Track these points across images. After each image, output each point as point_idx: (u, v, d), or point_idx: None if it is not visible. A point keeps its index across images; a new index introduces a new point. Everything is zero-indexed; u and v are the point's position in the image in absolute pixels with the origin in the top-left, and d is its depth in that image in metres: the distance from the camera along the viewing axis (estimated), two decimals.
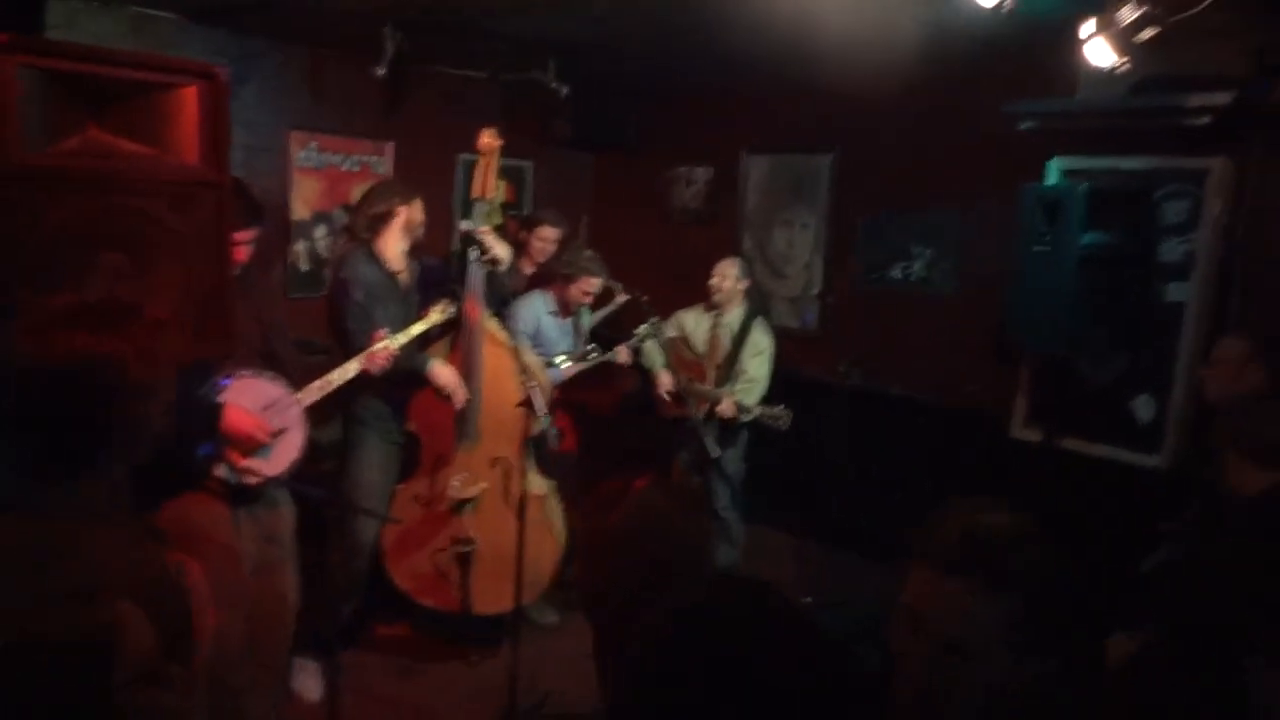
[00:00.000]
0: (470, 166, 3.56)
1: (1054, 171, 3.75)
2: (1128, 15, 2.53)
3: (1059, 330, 3.45)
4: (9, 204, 1.81)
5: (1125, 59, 2.67)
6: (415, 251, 3.54)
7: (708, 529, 1.97)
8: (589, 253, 4.03)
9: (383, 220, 3.40)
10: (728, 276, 4.32)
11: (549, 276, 4.09)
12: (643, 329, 4.11)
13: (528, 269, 4.37)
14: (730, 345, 4.34)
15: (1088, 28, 2.64)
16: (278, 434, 2.67)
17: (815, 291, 5.05)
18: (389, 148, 5.06)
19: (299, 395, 2.79)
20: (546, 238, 4.31)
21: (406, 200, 3.43)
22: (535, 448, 3.53)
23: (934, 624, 1.18)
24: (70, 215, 1.89)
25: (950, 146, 4.36)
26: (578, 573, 2.06)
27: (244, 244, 2.71)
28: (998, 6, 2.24)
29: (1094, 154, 3.68)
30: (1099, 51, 2.66)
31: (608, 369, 4.08)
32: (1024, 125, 3.74)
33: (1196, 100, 3.23)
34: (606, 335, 4.55)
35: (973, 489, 4.43)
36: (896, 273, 4.71)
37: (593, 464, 3.91)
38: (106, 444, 1.29)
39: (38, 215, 1.84)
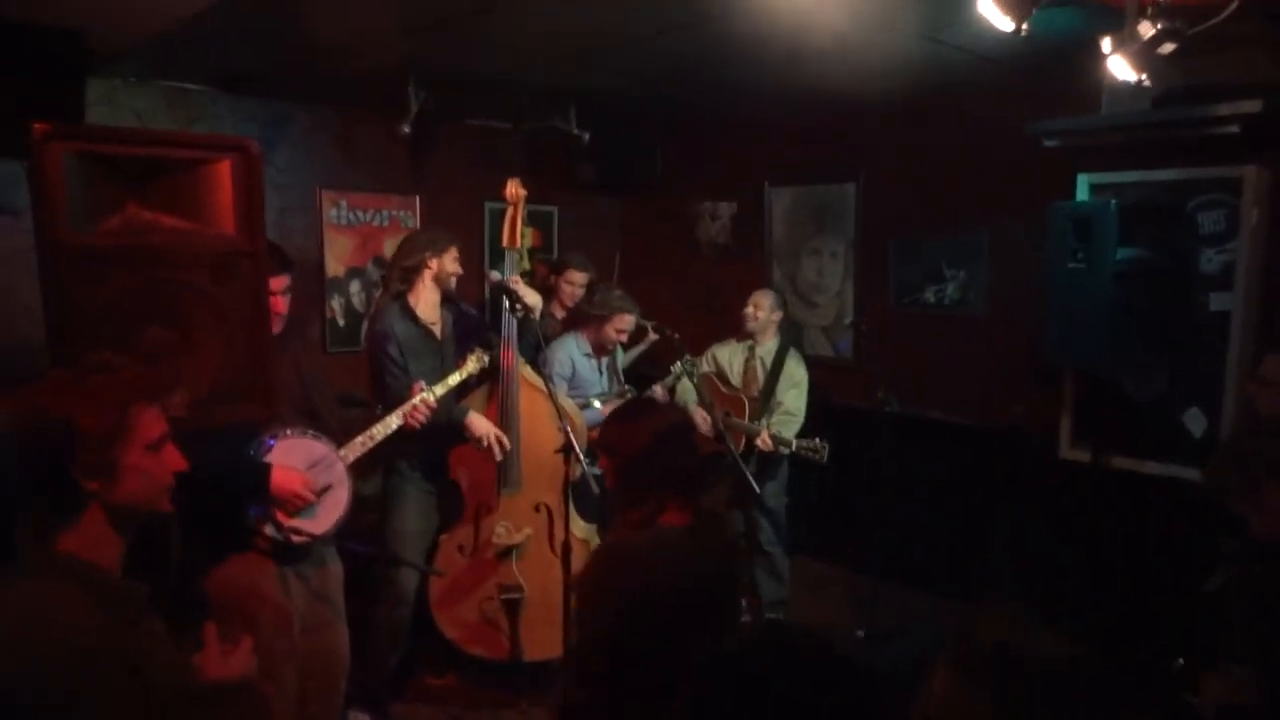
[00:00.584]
0: (497, 215, 3.60)
1: (1083, 187, 3.71)
2: (1146, 30, 2.51)
3: (1097, 347, 3.40)
4: (59, 286, 1.88)
5: (1146, 74, 2.65)
6: (448, 299, 3.56)
7: (732, 570, 1.94)
8: (618, 292, 4.06)
9: (414, 272, 3.43)
10: (761, 307, 4.33)
11: (582, 319, 4.12)
12: (676, 367, 4.12)
13: (558, 313, 4.41)
14: (766, 377, 4.34)
15: (1108, 45, 2.62)
16: (323, 492, 2.70)
17: (848, 319, 5.02)
18: (417, 201, 5.16)
19: (342, 452, 2.82)
20: (575, 281, 4.36)
21: (437, 252, 3.43)
22: (575, 491, 3.53)
23: None
24: (116, 292, 1.95)
25: (976, 167, 4.34)
26: (578, 588, 2.04)
27: (279, 293, 2.73)
28: (1016, 30, 2.23)
29: (1123, 168, 3.64)
30: (1121, 67, 2.64)
31: (637, 406, 4.07)
32: (1050, 143, 3.71)
33: (1225, 109, 3.19)
34: (640, 374, 4.57)
35: (1021, 513, 4.32)
36: (929, 296, 4.67)
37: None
38: (68, 495, 1.35)
39: (86, 294, 1.91)
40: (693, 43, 3.37)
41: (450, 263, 3.45)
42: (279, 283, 2.71)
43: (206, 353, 2.10)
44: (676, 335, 4.20)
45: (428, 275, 3.42)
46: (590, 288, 4.34)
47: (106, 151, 1.97)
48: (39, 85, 2.93)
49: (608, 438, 2.04)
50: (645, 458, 1.94)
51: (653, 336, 4.52)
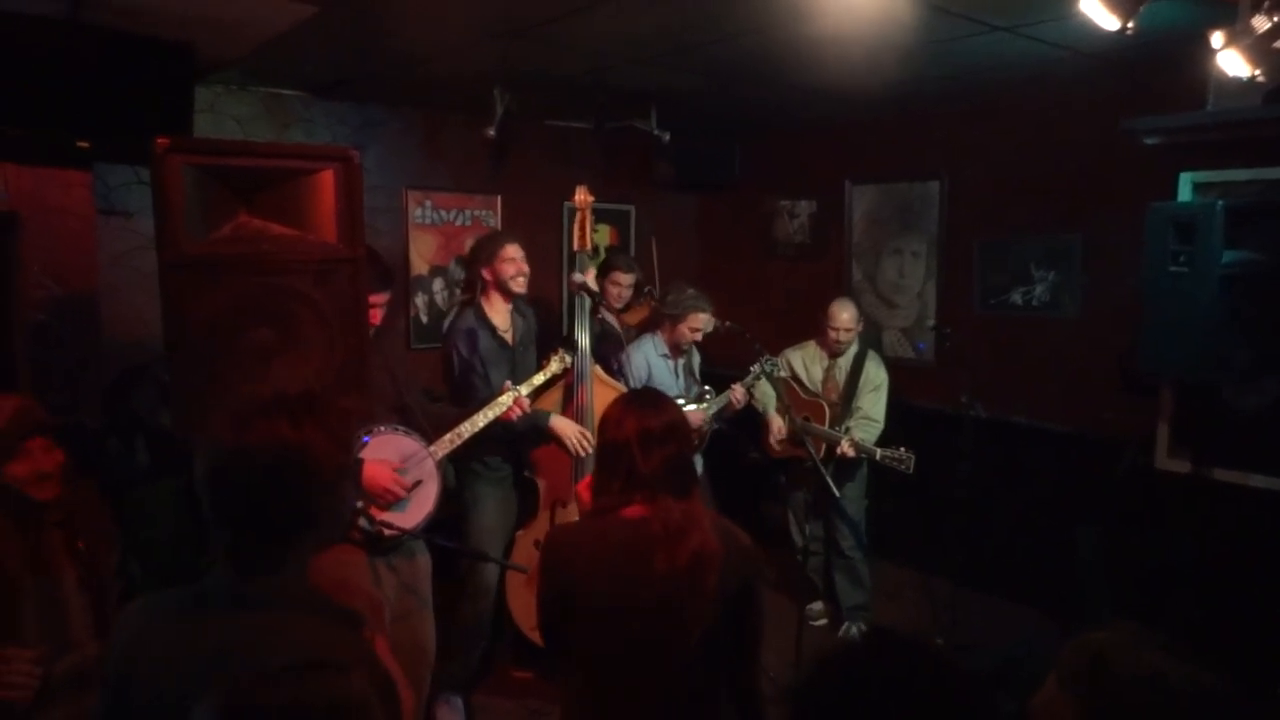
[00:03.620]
0: (575, 214, 3.70)
1: (1185, 187, 3.55)
2: (1262, 24, 2.39)
3: (1196, 356, 3.22)
4: (177, 293, 1.98)
5: (1261, 69, 2.52)
6: (516, 302, 3.58)
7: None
8: (691, 290, 4.05)
9: (474, 284, 3.52)
10: (850, 329, 4.23)
11: (657, 319, 4.14)
12: (755, 367, 4.09)
13: (608, 316, 4.41)
14: (845, 381, 4.28)
15: (1218, 39, 2.51)
16: (414, 487, 2.78)
17: (930, 321, 4.92)
18: (498, 201, 5.25)
19: (432, 448, 2.89)
20: (620, 282, 4.37)
21: (488, 261, 3.46)
22: None
23: None
24: (227, 296, 2.05)
25: (1067, 165, 4.21)
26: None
27: (378, 306, 2.86)
28: (1122, 30, 2.16)
29: (1231, 166, 3.47)
30: (1233, 62, 2.52)
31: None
32: (1150, 140, 3.56)
33: None
34: (719, 374, 4.56)
35: (1113, 521, 4.15)
36: (1016, 297, 4.54)
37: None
38: (314, 529, 1.30)
39: (200, 298, 2.01)
40: (774, 43, 3.35)
41: (504, 265, 3.45)
42: (380, 298, 2.82)
43: (309, 353, 2.18)
44: (757, 341, 4.18)
45: (489, 285, 3.49)
46: (636, 288, 4.37)
47: (221, 164, 2.06)
48: (151, 95, 3.08)
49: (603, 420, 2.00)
50: (623, 446, 1.88)
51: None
